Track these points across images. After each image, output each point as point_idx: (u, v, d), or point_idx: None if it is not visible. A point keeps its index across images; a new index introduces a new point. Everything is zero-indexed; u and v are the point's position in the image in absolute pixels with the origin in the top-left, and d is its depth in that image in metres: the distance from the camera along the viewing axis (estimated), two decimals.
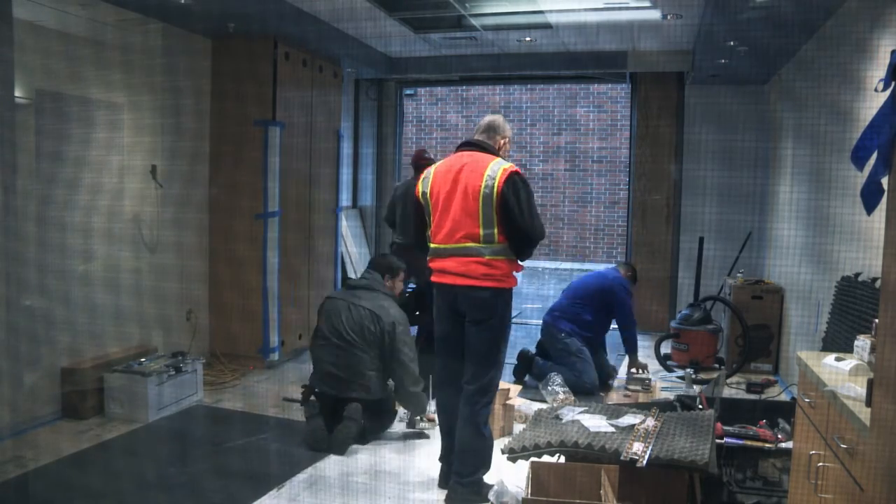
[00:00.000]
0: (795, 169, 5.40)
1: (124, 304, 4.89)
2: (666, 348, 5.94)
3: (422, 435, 4.31)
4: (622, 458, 2.87)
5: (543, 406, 4.15)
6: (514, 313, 8.67)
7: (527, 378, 5.43)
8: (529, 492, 2.82)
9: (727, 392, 5.12)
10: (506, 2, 5.61)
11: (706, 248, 6.43)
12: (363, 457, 3.99)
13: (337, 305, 4.26)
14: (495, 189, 3.22)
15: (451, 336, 3.43)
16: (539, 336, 5.64)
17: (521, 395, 5.07)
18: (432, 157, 5.32)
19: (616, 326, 5.52)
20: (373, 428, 4.19)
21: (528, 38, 6.53)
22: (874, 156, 2.00)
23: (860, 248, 3.53)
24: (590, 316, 5.41)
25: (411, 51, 7.13)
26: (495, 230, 3.24)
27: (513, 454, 3.17)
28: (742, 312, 5.62)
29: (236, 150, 5.59)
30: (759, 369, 5.66)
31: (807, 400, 2.58)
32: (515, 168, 3.26)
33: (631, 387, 5.28)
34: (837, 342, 3.60)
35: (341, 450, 3.96)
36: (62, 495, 3.45)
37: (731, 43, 5.14)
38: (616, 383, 5.43)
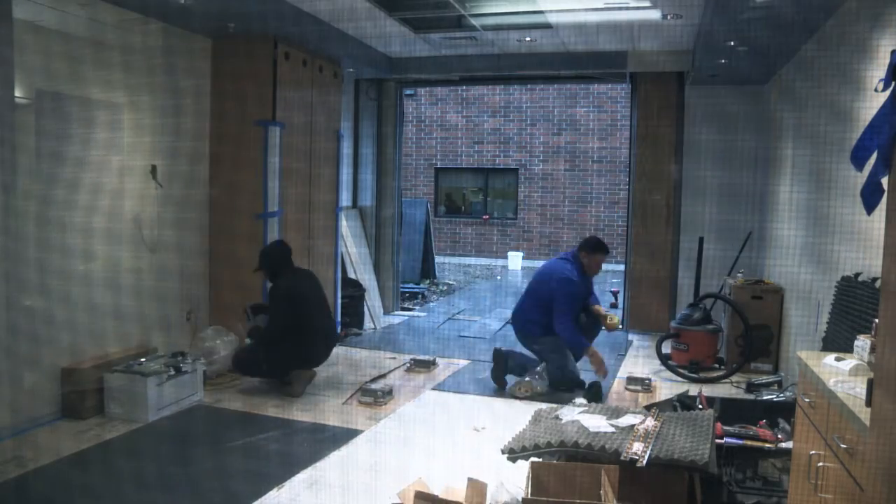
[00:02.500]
0: (795, 169, 5.40)
1: (124, 304, 4.89)
2: (666, 348, 5.94)
3: None
4: (622, 458, 2.87)
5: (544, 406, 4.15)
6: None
7: (507, 378, 5.34)
8: (529, 492, 2.82)
9: (728, 392, 5.13)
10: (506, 2, 5.61)
11: (706, 248, 6.43)
12: (363, 456, 3.99)
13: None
14: None
15: None
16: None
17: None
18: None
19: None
20: None
21: (528, 38, 6.54)
22: (874, 156, 2.00)
23: (860, 248, 3.53)
24: (539, 314, 5.23)
25: (411, 51, 7.13)
26: None
27: (513, 454, 3.17)
28: (743, 310, 5.62)
29: (236, 150, 5.59)
30: (759, 369, 5.66)
31: (807, 400, 2.58)
32: None
33: (631, 387, 5.28)
34: (837, 342, 3.60)
35: None
36: (62, 495, 3.45)
37: (731, 43, 5.15)
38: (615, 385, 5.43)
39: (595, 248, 5.35)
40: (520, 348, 5.51)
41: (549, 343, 5.20)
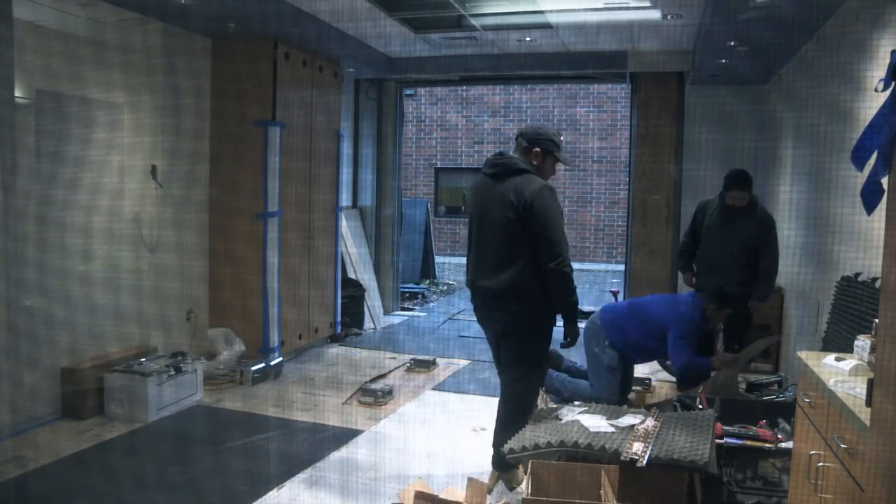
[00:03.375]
0: (795, 169, 5.40)
1: (124, 304, 4.89)
2: None
3: None
4: (622, 458, 2.87)
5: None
6: None
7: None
8: (529, 492, 2.82)
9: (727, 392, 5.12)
10: (506, 2, 5.61)
11: None
12: (363, 457, 3.99)
13: None
14: None
15: None
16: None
17: None
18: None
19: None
20: None
21: (528, 38, 6.53)
22: (874, 156, 2.00)
23: (860, 248, 3.53)
24: (652, 344, 4.64)
25: (411, 51, 7.12)
26: None
27: (513, 454, 3.17)
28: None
29: (236, 150, 5.60)
30: (759, 369, 5.65)
31: (807, 400, 2.58)
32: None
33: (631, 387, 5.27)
34: (837, 342, 3.59)
35: None
36: (62, 495, 3.45)
37: (731, 43, 5.14)
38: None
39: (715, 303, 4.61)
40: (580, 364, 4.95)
41: (618, 362, 4.63)
